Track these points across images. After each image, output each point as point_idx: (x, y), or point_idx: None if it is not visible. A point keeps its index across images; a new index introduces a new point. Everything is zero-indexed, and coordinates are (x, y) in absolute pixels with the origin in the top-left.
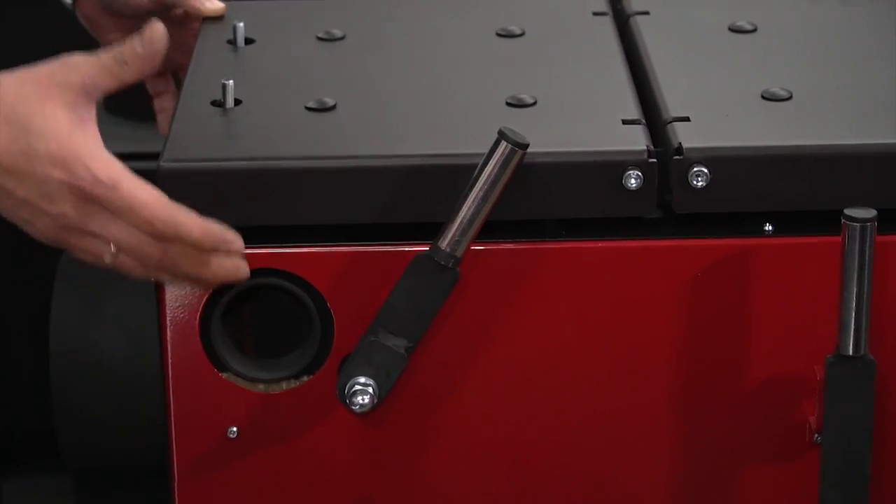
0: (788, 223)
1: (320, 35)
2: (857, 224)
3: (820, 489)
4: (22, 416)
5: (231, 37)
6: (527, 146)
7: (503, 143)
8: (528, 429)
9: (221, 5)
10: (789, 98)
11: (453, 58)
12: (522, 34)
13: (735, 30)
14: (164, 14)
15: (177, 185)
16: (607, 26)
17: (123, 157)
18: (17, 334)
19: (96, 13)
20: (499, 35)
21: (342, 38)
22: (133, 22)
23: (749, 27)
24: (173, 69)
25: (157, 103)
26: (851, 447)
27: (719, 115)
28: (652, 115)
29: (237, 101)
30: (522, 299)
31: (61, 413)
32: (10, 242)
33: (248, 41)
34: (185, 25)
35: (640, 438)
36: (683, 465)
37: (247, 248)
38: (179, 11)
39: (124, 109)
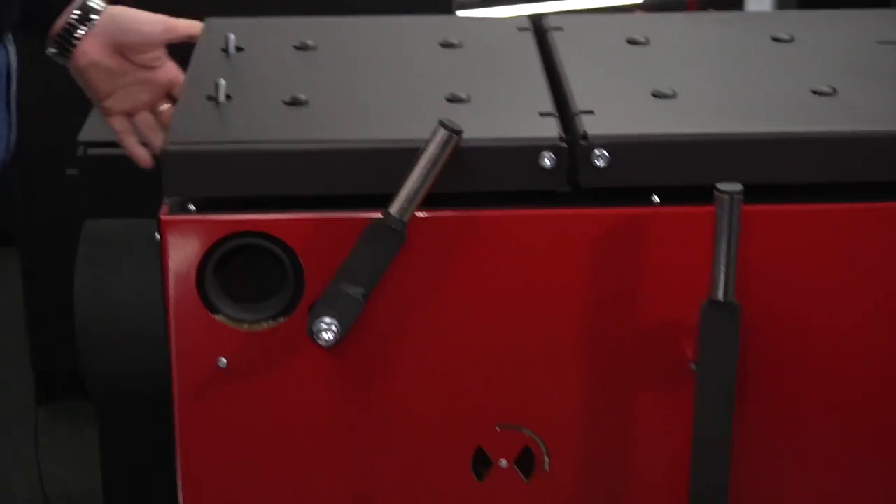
0: (672, 195)
1: (297, 45)
2: (727, 195)
3: (695, 405)
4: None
5: (224, 45)
6: (461, 132)
7: (442, 130)
8: (463, 359)
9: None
10: (674, 96)
11: (405, 63)
12: (461, 45)
13: (632, 42)
14: (176, 44)
15: (178, 162)
16: (529, 39)
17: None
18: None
19: (102, 55)
20: (441, 45)
21: (315, 48)
22: (133, 68)
23: (643, 40)
24: (140, 106)
25: (126, 143)
26: (720, 372)
27: (618, 108)
28: (563, 108)
29: (228, 97)
30: (458, 256)
31: (85, 353)
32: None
33: (239, 49)
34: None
35: (557, 367)
36: (591, 388)
37: (233, 214)
38: (186, 37)
39: None
